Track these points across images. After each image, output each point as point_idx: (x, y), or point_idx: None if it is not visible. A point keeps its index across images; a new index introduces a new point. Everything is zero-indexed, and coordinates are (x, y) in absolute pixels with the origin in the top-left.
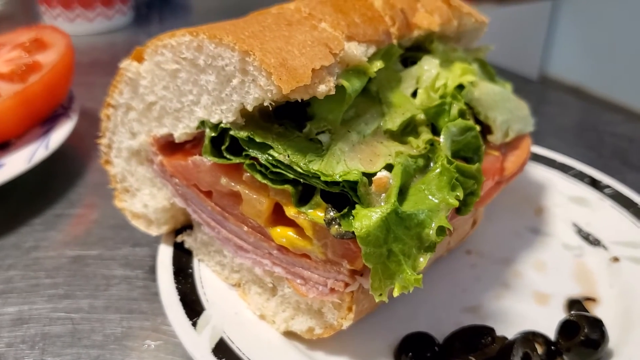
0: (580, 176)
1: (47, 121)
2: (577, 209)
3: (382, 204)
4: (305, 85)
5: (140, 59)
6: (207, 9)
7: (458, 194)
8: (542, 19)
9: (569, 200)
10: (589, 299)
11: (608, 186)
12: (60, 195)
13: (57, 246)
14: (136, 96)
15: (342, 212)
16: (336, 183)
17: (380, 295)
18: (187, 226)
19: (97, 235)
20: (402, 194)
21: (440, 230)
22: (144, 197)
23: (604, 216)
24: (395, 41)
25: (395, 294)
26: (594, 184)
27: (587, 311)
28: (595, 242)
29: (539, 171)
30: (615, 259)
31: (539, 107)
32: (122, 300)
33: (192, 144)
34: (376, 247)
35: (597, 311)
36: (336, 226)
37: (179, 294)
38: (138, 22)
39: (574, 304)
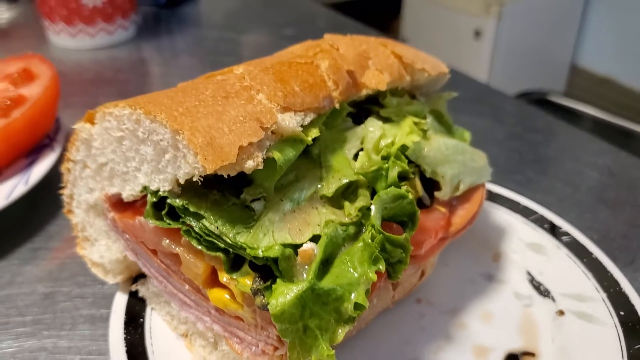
0: (540, 221)
1: (32, 152)
2: (533, 257)
3: (305, 276)
4: (231, 162)
5: (92, 122)
6: (216, 21)
7: (380, 267)
8: (575, 9)
9: (527, 246)
10: (528, 353)
11: (567, 233)
12: (40, 228)
13: (32, 281)
14: (90, 155)
15: (266, 284)
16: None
17: None
18: (142, 274)
19: (70, 271)
20: (328, 264)
21: (358, 306)
22: (101, 248)
23: (558, 266)
24: (337, 105)
25: None
26: (553, 230)
27: None
28: (545, 292)
29: (501, 214)
30: (561, 312)
31: (524, 134)
32: (84, 340)
33: (142, 202)
34: (291, 323)
35: None
36: (261, 297)
37: (127, 345)
38: (144, 35)
39: None
